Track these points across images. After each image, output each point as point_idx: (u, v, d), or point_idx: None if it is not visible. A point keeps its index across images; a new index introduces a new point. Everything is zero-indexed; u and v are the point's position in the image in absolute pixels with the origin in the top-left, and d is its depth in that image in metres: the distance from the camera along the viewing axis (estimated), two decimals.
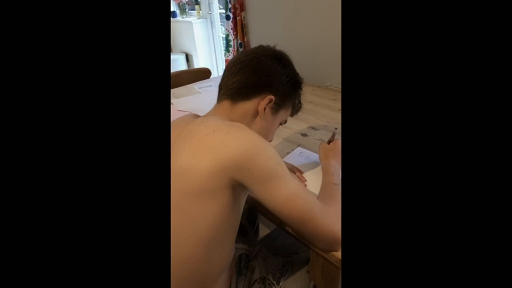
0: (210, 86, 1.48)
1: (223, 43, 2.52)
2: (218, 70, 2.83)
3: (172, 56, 2.83)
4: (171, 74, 1.56)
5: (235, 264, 0.71)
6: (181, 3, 2.82)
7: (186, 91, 1.44)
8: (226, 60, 2.53)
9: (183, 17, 2.88)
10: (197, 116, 0.62)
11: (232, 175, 0.48)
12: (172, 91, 1.43)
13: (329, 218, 0.49)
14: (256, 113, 0.60)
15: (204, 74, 1.63)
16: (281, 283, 0.69)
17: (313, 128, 1.02)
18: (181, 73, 1.60)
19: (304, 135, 0.98)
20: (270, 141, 0.69)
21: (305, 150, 0.89)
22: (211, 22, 2.72)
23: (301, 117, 1.16)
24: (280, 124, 0.69)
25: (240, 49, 2.29)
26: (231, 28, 2.29)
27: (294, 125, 1.03)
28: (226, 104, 0.60)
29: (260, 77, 0.58)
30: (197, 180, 0.48)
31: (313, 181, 0.74)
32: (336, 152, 0.72)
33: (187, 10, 2.88)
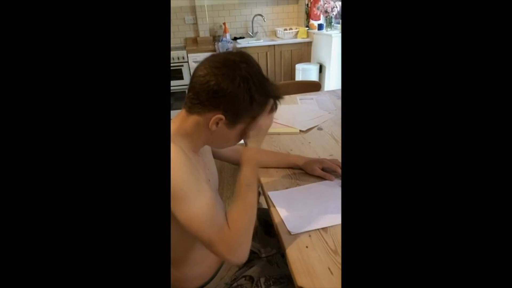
0: (311, 99, 1.53)
1: None
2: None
3: (308, 66, 3.01)
4: (282, 83, 1.72)
5: None
6: (328, 17, 2.94)
7: (288, 99, 1.54)
8: None
9: (327, 30, 2.99)
10: None
11: None
12: None
13: (224, 244, 0.53)
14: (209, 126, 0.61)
15: (314, 87, 1.72)
16: None
17: None
18: (290, 84, 1.74)
19: None
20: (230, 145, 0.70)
21: None
22: None
23: None
24: (246, 131, 0.66)
25: None
26: None
27: None
28: (183, 112, 0.63)
29: (208, 98, 0.58)
30: None
31: None
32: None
33: (333, 24, 2.98)
